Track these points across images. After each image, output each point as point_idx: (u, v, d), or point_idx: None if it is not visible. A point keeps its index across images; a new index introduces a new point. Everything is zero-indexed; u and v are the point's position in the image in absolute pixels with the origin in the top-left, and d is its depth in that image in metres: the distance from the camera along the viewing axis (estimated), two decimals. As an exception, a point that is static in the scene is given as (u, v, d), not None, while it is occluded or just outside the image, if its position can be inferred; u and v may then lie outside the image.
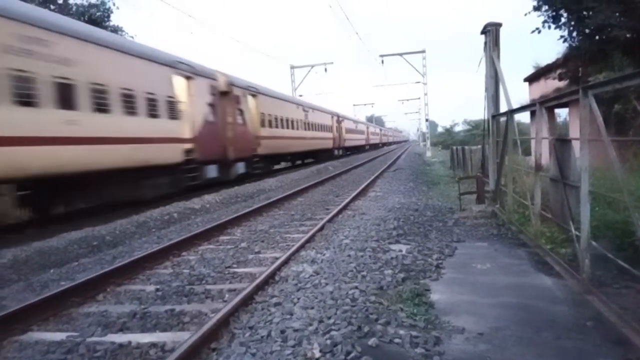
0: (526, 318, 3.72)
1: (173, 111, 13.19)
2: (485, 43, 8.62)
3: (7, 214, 9.87)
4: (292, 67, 39.40)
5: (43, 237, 8.00)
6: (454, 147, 21.03)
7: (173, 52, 14.16)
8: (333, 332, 3.44)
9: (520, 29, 15.60)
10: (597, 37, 11.04)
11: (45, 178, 9.22)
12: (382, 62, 36.26)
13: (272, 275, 5.21)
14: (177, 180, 13.28)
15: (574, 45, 12.01)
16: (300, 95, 37.46)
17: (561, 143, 5.71)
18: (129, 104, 11.29)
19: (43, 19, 9.28)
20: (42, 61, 8.82)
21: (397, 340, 3.35)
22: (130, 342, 3.75)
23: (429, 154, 39.20)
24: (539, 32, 12.15)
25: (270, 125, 21.66)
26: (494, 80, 8.47)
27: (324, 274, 5.03)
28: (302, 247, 6.54)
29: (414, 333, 3.46)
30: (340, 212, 9.55)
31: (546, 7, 11.82)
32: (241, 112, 18.09)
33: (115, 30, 22.78)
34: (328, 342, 3.27)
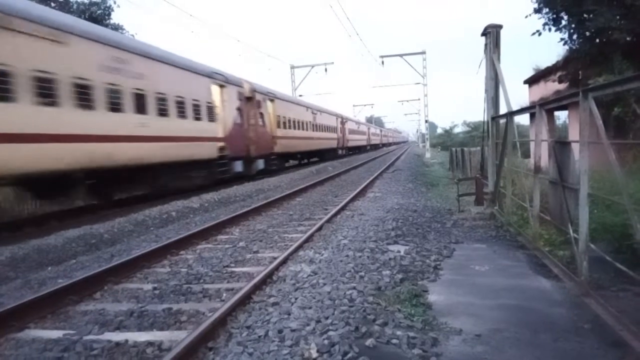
0: (524, 320, 3.72)
1: (211, 114, 15.55)
2: (486, 45, 8.61)
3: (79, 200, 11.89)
4: (292, 67, 39.34)
5: (41, 234, 8.00)
6: (453, 149, 21.01)
7: (190, 56, 16.04)
8: (330, 333, 3.43)
9: (521, 32, 15.62)
10: (597, 40, 11.04)
11: (122, 168, 11.14)
12: (383, 62, 36.21)
13: (270, 275, 5.21)
14: (212, 173, 15.44)
15: (574, 47, 12.00)
16: (300, 95, 37.48)
17: (560, 145, 5.71)
18: (181, 109, 13.72)
19: (124, 43, 11.84)
20: (125, 77, 11.14)
21: (394, 341, 3.35)
22: (127, 341, 3.74)
23: (428, 155, 39.19)
24: (540, 34, 12.13)
25: (284, 127, 23.89)
26: (494, 82, 8.47)
27: (322, 274, 5.02)
28: (300, 247, 6.54)
29: (412, 334, 3.45)
30: (338, 212, 9.55)
31: (547, 10, 11.83)
32: (262, 115, 20.38)
33: (116, 28, 22.69)
34: (325, 342, 3.26)
